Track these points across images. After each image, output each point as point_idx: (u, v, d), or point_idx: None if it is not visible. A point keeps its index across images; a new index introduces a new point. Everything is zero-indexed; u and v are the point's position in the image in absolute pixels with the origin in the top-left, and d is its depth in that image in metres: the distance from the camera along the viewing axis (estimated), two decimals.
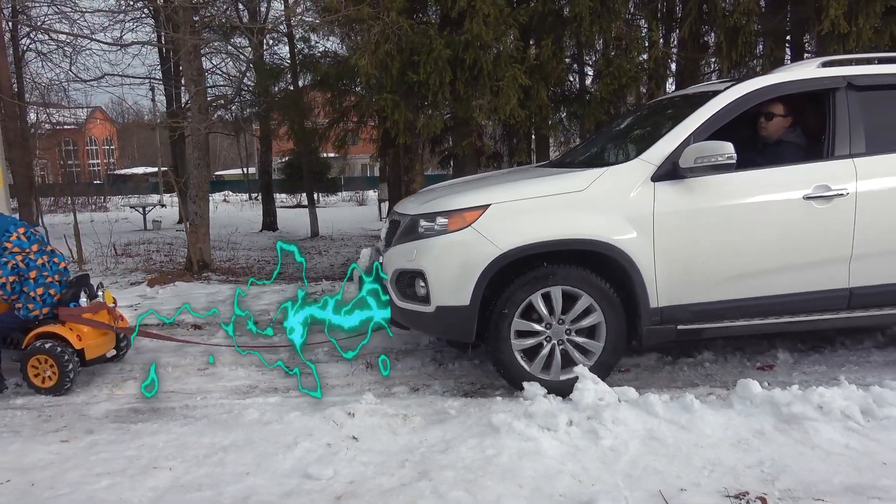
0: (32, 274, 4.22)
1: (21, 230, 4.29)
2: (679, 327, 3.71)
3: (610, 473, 2.78)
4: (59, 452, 3.12)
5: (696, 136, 3.67)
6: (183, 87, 21.51)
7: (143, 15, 18.55)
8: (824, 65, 3.97)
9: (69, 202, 28.23)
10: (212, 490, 2.73)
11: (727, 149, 3.48)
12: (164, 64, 21.06)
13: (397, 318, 3.94)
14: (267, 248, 13.86)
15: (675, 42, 8.08)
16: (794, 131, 4.12)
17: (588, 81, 8.40)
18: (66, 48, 19.05)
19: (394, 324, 4.08)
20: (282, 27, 13.07)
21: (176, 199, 26.45)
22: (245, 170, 33.75)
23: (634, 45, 7.09)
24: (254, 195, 31.41)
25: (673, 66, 7.98)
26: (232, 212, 25.26)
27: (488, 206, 3.63)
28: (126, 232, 17.18)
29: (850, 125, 3.78)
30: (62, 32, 10.97)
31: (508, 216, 3.61)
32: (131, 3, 18.52)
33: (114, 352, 4.69)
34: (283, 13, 18.78)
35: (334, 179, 31.11)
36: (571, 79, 8.34)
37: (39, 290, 4.23)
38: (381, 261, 4.04)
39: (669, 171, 3.63)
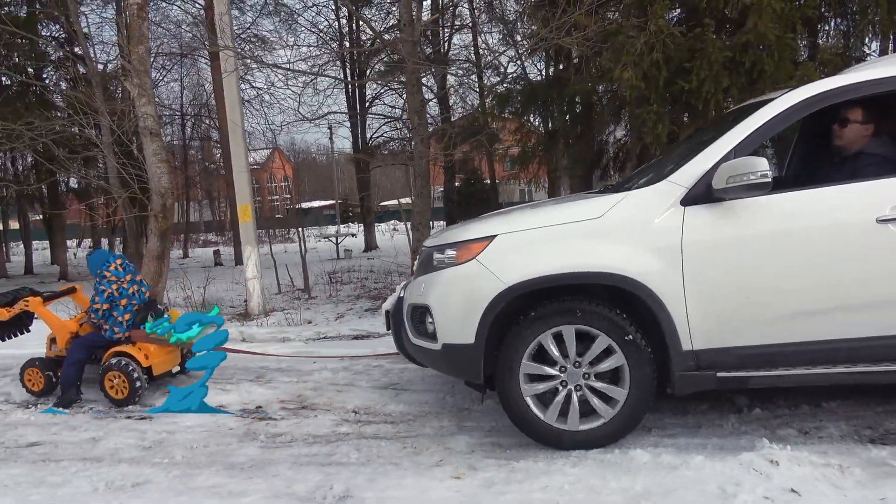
0: (123, 302, 4.80)
1: (119, 261, 4.91)
2: (719, 374, 3.12)
3: None
4: (458, 490, 2.96)
5: (739, 152, 3.12)
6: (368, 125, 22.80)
7: (333, 58, 19.88)
8: None
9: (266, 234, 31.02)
10: None
11: (760, 165, 2.94)
12: (350, 103, 22.43)
13: (414, 355, 3.79)
14: None
15: None
16: (878, 141, 3.39)
17: None
18: (271, 92, 20.78)
19: (413, 361, 3.98)
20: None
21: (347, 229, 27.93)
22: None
23: None
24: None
25: None
26: (404, 241, 26.04)
27: (494, 236, 3.35)
28: (322, 261, 18.05)
29: None
30: (293, 70, 11.60)
31: (515, 247, 3.30)
32: (323, 48, 19.85)
33: (178, 367, 5.12)
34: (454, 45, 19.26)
35: (495, 205, 31.31)
36: None
37: (126, 316, 4.82)
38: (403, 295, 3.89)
39: (703, 194, 3.12)
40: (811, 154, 4.11)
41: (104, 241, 23.02)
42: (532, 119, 9.61)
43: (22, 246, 29.77)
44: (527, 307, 3.30)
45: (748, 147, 3.15)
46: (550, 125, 10.06)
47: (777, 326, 3.10)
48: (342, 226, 33.34)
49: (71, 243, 25.74)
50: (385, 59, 17.35)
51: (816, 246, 3.06)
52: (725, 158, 3.12)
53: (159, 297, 10.42)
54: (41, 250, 26.93)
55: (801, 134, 4.31)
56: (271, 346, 6.34)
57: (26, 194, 18.78)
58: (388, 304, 4.34)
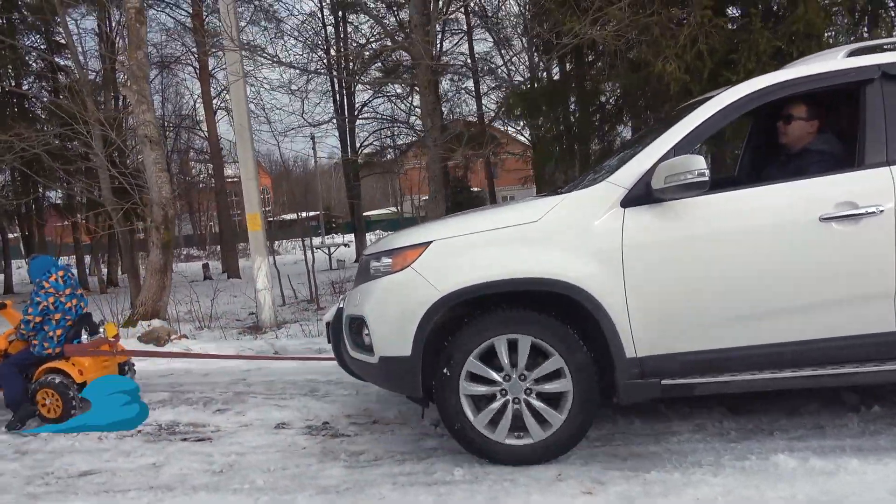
0: (57, 316, 4.51)
1: (60, 273, 4.65)
2: (663, 382, 2.98)
3: None
4: None
5: (679, 150, 3.00)
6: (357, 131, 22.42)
7: (322, 67, 19.48)
8: (852, 53, 3.20)
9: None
10: None
11: (698, 164, 2.82)
12: (339, 111, 22.07)
13: (354, 368, 3.62)
14: None
15: None
16: (823, 138, 3.33)
17: None
18: (256, 102, 20.32)
19: (354, 376, 3.81)
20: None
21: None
22: (399, 208, 34.97)
23: None
24: None
25: None
26: None
27: (430, 242, 3.18)
28: (320, 272, 17.57)
29: (887, 125, 2.94)
30: (301, 69, 11.33)
31: (451, 254, 3.14)
32: (312, 59, 19.49)
33: None
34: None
35: None
36: None
37: (59, 332, 4.53)
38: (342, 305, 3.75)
39: (643, 195, 2.99)
40: (759, 153, 4.03)
41: (87, 259, 22.23)
42: (548, 118, 9.34)
43: None
44: (467, 316, 3.14)
45: (688, 146, 3.03)
46: (565, 125, 9.85)
47: (720, 331, 2.97)
48: (326, 237, 32.88)
49: None
50: (380, 65, 17.08)
51: (757, 246, 2.94)
52: (665, 158, 2.98)
53: (162, 312, 9.99)
54: (18, 270, 25.92)
55: (750, 133, 4.23)
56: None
57: (5, 211, 18.06)
58: (329, 315, 4.12)
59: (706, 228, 2.97)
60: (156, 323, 9.39)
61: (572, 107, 9.14)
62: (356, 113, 21.71)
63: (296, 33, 19.49)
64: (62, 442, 4.09)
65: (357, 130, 22.52)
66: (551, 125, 9.12)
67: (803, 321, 2.92)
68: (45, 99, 16.11)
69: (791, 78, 3.11)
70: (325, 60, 18.91)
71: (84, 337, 4.69)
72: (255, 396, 4.71)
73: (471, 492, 2.93)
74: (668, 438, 3.36)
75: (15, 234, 24.23)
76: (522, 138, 18.55)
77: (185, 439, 4.03)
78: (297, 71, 16.23)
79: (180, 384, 5.16)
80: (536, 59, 10.24)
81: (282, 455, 3.62)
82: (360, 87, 21.19)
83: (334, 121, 21.08)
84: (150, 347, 6.54)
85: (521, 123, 16.08)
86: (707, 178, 2.83)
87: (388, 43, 11.12)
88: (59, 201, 19.11)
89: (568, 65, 9.56)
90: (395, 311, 3.15)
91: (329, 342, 4.06)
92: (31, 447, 4.04)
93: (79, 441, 4.09)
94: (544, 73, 10.74)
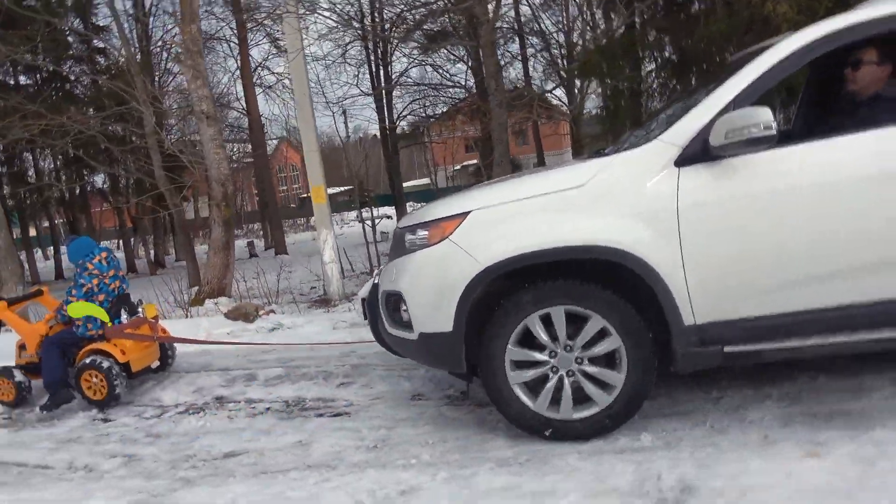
0: (101, 297, 4.46)
1: (104, 255, 4.57)
2: (726, 349, 2.79)
3: None
4: (834, 472, 2.40)
5: (739, 103, 2.74)
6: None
7: (357, 37, 19.02)
8: None
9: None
10: None
11: (763, 116, 2.57)
12: (375, 82, 21.67)
13: (392, 345, 3.48)
14: None
15: None
16: None
17: None
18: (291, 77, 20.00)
19: (393, 353, 3.66)
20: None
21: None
22: (433, 179, 34.52)
23: None
24: None
25: None
26: None
27: (468, 212, 2.99)
28: (360, 245, 17.41)
29: None
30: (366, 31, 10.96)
31: (491, 223, 2.95)
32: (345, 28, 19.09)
33: (157, 363, 4.88)
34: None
35: None
36: None
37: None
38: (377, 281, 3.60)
39: (700, 153, 2.76)
40: (821, 103, 3.66)
41: (131, 241, 22.40)
42: (623, 73, 8.87)
43: (40, 252, 29.11)
44: (511, 288, 2.95)
45: (749, 98, 2.77)
46: (636, 82, 9.39)
47: (787, 293, 2.76)
48: (361, 209, 32.70)
49: None
50: (419, 33, 16.64)
51: (827, 203, 2.70)
52: (724, 111, 2.73)
53: (227, 290, 9.89)
54: (64, 254, 26.33)
55: (808, 82, 3.87)
56: None
57: (53, 197, 18.19)
58: (364, 291, 3.96)
59: (770, 185, 2.72)
60: (223, 301, 9.32)
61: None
62: (394, 83, 21.31)
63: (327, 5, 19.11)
64: (192, 423, 3.94)
65: (394, 101, 22.20)
66: (630, 80, 8.67)
67: (879, 280, 2.70)
68: (88, 81, 16.04)
69: (866, 19, 2.79)
70: (360, 30, 18.49)
71: (123, 317, 4.63)
72: (374, 368, 4.50)
73: (673, 459, 2.68)
74: (869, 395, 3.04)
75: (59, 221, 24.50)
76: (558, 103, 18.10)
77: (320, 415, 3.85)
78: (335, 41, 15.93)
79: (291, 359, 4.97)
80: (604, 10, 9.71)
81: (434, 427, 3.41)
82: (395, 56, 20.90)
83: (375, 90, 20.77)
84: (239, 324, 6.40)
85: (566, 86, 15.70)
86: (774, 132, 2.59)
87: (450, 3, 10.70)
88: (104, 185, 19.14)
89: (615, 20, 9.06)
90: (433, 285, 2.99)
91: (365, 319, 3.90)
92: (161, 430, 3.90)
93: (208, 421, 3.93)
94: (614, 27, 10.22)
